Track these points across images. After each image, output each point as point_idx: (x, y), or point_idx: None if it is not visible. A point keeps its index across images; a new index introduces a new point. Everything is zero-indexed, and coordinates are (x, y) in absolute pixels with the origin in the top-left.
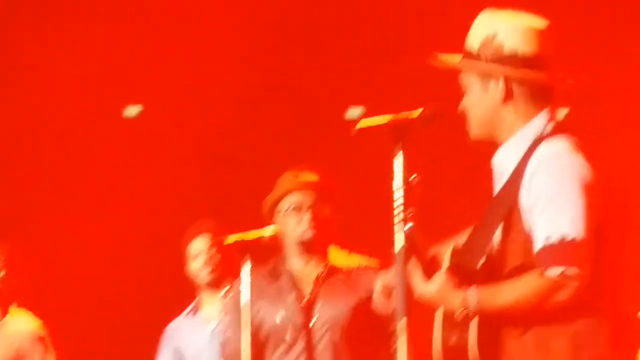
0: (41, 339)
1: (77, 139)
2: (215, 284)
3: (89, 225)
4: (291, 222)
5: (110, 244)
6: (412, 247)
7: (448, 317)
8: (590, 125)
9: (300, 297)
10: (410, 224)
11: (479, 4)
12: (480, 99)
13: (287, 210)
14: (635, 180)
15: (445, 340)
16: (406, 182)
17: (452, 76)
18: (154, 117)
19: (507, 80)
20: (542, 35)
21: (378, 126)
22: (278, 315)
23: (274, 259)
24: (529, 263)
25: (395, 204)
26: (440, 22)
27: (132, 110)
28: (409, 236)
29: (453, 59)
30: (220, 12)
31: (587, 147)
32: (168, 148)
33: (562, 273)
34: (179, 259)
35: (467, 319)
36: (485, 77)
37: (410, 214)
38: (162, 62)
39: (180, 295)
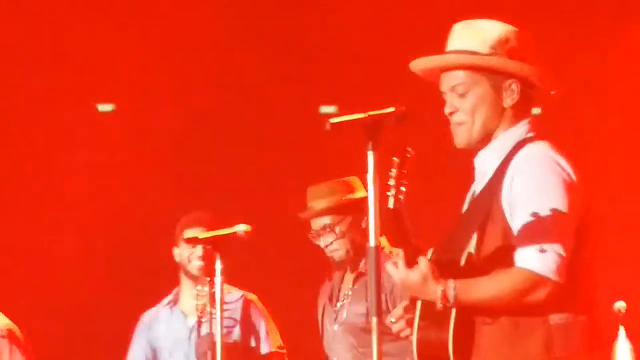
0: (10, 336)
1: (51, 133)
2: (200, 278)
3: (62, 219)
4: (322, 243)
5: (81, 243)
6: (398, 224)
7: (426, 307)
8: (564, 132)
9: (334, 301)
10: (400, 197)
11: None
12: (489, 100)
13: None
14: (608, 183)
15: (421, 328)
16: (402, 155)
17: (419, 79)
18: (128, 113)
19: (521, 81)
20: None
21: (352, 121)
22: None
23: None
24: (509, 259)
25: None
26: (413, 25)
27: (106, 107)
28: (396, 210)
29: (454, 58)
30: (194, 7)
31: (566, 152)
32: (143, 143)
33: (541, 272)
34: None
35: (445, 311)
36: (499, 76)
37: (402, 188)
38: (135, 58)
39: (152, 287)
